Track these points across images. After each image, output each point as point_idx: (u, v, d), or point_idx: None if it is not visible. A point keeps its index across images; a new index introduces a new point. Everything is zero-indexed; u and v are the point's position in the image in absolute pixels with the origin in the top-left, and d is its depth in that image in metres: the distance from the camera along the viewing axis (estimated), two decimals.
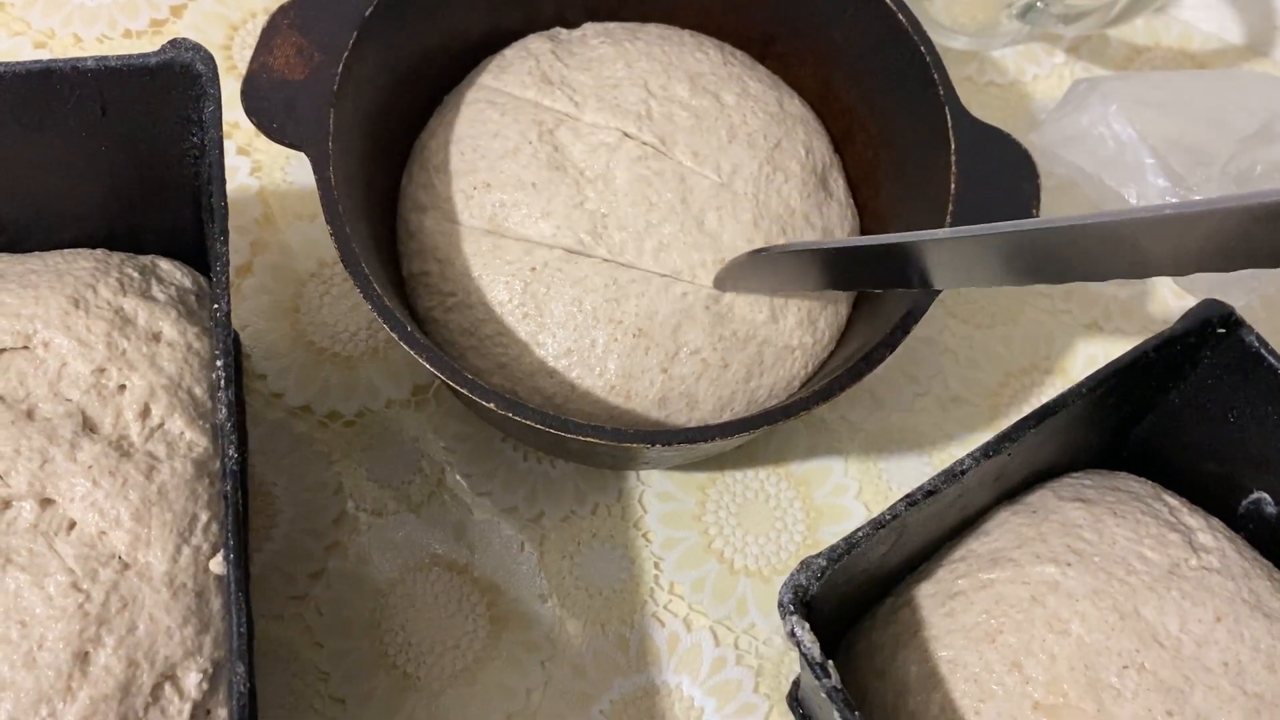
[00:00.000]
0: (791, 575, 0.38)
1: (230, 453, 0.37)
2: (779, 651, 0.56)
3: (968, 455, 0.41)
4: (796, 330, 0.51)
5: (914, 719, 0.44)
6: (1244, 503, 0.48)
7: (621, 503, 0.58)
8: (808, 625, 0.37)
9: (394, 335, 0.43)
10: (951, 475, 0.41)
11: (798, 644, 0.37)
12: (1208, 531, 0.47)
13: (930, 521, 0.44)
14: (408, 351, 0.44)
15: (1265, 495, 0.47)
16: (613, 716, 0.54)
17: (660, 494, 0.58)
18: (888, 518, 0.39)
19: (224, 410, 0.38)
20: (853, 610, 0.48)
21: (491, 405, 0.42)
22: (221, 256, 0.39)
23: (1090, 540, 0.46)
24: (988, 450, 0.41)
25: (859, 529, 0.39)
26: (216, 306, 0.39)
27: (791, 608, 0.37)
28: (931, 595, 0.46)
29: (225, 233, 0.39)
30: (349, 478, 0.57)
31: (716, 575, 0.57)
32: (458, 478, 0.57)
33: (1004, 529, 0.47)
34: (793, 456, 0.60)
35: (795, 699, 0.53)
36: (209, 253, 0.40)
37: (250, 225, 0.61)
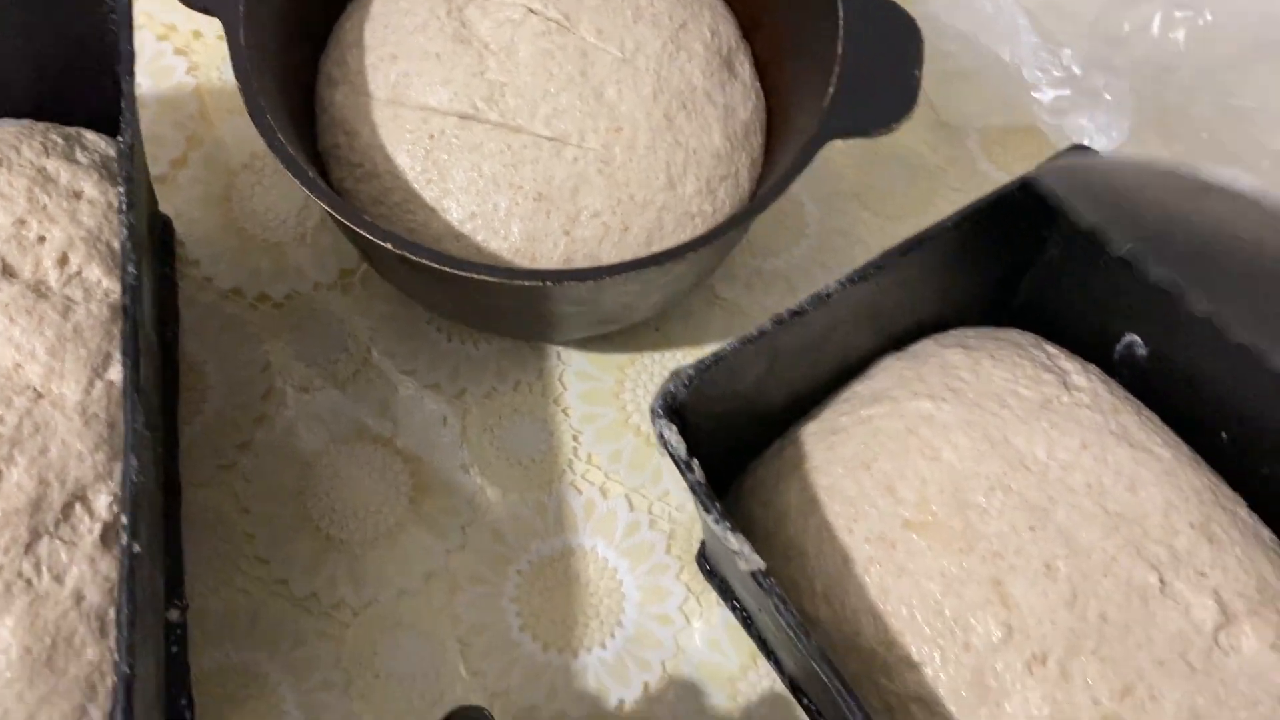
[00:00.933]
0: (662, 384, 0.40)
1: (130, 269, 0.39)
2: (690, 517, 0.58)
3: (834, 280, 0.43)
4: (695, 198, 0.53)
5: (792, 542, 0.46)
6: (1117, 348, 0.50)
7: (542, 380, 0.60)
8: (675, 428, 0.40)
9: (286, 169, 0.45)
10: (818, 298, 0.43)
11: (665, 444, 0.39)
12: (1082, 374, 0.49)
13: (807, 355, 0.46)
14: (305, 194, 0.46)
15: (1136, 338, 0.49)
16: (530, 575, 0.56)
17: (580, 373, 0.61)
18: (754, 335, 0.42)
19: (125, 231, 0.40)
20: (744, 457, 0.51)
21: (388, 245, 0.44)
22: (128, 94, 0.41)
23: (967, 380, 0.48)
24: (853, 277, 0.43)
25: (727, 344, 0.41)
26: (121, 139, 0.41)
27: (660, 412, 0.40)
28: (815, 433, 0.48)
29: (131, 73, 0.42)
30: (277, 356, 0.59)
31: (633, 448, 0.59)
32: (383, 356, 0.60)
33: (886, 372, 0.50)
34: (708, 339, 0.62)
35: (703, 557, 0.56)
36: (121, 92, 0.42)
37: (185, 121, 0.63)
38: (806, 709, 0.53)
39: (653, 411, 0.40)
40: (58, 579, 0.42)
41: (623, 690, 0.54)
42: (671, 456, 0.39)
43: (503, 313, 0.53)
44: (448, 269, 0.44)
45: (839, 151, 0.68)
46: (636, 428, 0.60)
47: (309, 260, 0.61)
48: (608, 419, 0.60)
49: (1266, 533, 0.47)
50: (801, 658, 0.37)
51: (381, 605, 0.55)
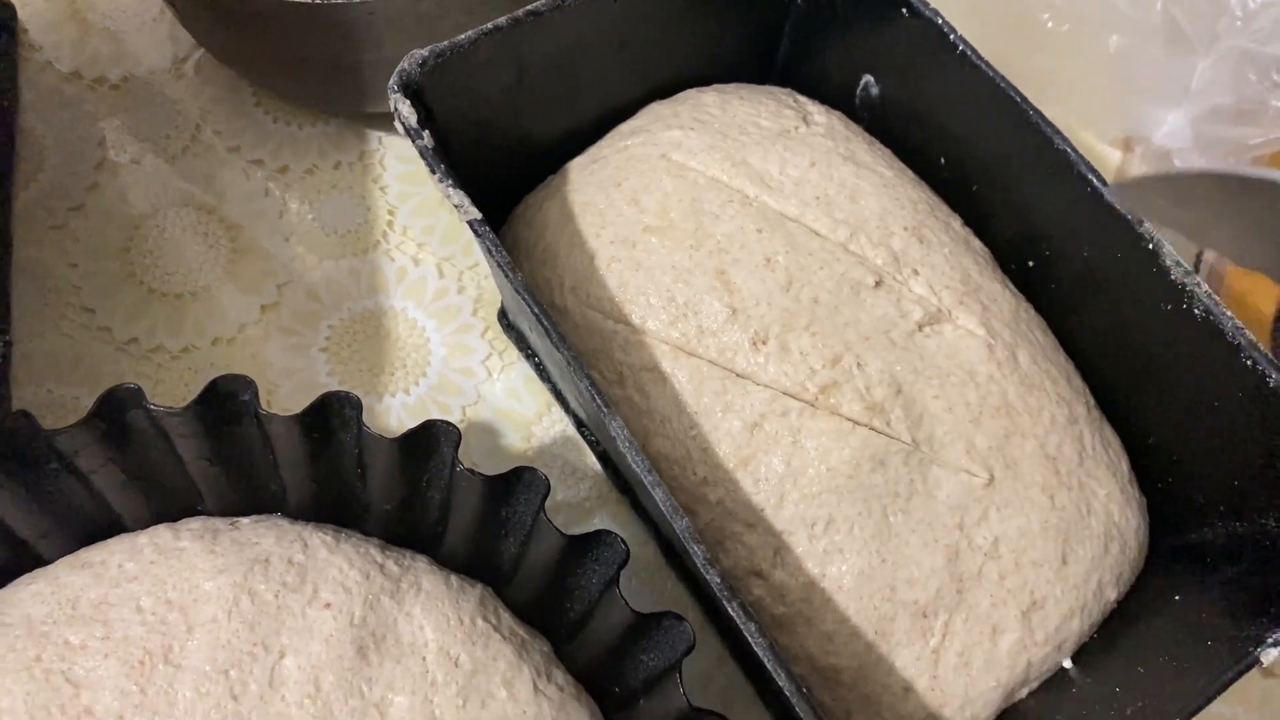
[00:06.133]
0: (399, 65, 0.44)
1: None
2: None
3: None
4: None
5: (549, 248, 0.50)
6: (857, 91, 0.54)
7: (363, 162, 0.64)
8: (408, 101, 0.44)
9: None
10: (555, 3, 0.47)
11: (398, 117, 0.44)
12: (823, 114, 0.54)
13: (560, 77, 0.50)
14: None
15: (869, 77, 0.53)
16: (341, 330, 0.60)
17: (400, 156, 0.65)
18: (489, 29, 0.45)
19: None
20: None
21: None
22: None
23: (715, 114, 0.52)
24: None
25: (465, 34, 0.45)
26: None
27: (395, 88, 0.44)
28: (579, 164, 0.53)
29: None
30: (112, 133, 0.63)
31: (446, 224, 0.63)
32: (211, 135, 0.63)
33: (649, 113, 0.54)
34: None
35: (503, 313, 0.60)
36: None
37: None
38: (589, 443, 0.57)
39: (390, 88, 0.44)
40: None
41: None
42: (403, 126, 0.43)
43: (295, 64, 0.57)
44: None
45: None
46: (452, 205, 0.64)
47: (146, 47, 0.65)
48: (423, 197, 0.64)
49: (977, 244, 0.51)
50: (587, 401, 0.40)
51: (198, 351, 0.58)
